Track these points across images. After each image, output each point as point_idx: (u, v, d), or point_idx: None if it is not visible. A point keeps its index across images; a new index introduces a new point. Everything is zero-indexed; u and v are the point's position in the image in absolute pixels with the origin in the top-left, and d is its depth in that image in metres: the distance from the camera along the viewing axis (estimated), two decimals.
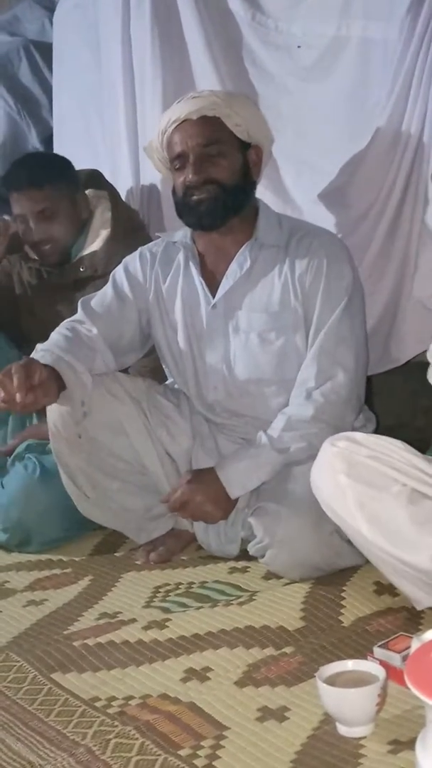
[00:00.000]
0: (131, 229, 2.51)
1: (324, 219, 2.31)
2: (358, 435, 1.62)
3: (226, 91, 2.14)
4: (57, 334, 2.04)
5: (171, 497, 1.97)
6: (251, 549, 1.93)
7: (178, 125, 1.98)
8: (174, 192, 2.04)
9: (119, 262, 2.30)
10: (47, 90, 3.46)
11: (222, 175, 1.97)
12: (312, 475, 1.64)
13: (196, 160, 1.97)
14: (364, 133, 2.23)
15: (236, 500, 1.95)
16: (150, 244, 2.21)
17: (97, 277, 2.42)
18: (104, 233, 2.46)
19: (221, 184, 1.97)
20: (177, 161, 2.00)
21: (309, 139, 2.36)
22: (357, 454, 1.56)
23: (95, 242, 2.47)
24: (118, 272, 2.17)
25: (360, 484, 1.54)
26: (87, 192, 2.52)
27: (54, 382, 1.89)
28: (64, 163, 2.54)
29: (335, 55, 2.32)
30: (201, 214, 1.99)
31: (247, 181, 2.02)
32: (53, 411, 2.03)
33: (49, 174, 2.45)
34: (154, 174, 2.67)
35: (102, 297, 2.14)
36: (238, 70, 2.52)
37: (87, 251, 2.46)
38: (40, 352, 1.97)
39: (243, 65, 2.52)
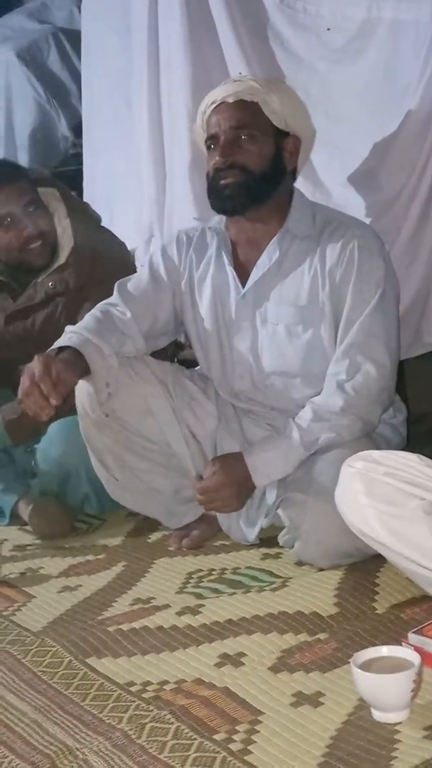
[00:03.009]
0: (91, 231, 2.44)
1: (354, 202, 2.29)
2: (375, 453, 1.63)
3: (269, 78, 2.11)
4: (89, 316, 2.06)
5: (198, 483, 1.97)
6: (281, 539, 1.94)
7: (215, 107, 1.98)
8: (207, 175, 2.03)
9: (87, 272, 2.33)
10: (76, 77, 3.46)
11: (249, 160, 1.95)
12: (335, 498, 1.66)
13: (225, 142, 1.96)
14: (394, 116, 2.20)
15: (254, 489, 1.95)
16: (188, 228, 2.21)
17: (69, 291, 2.36)
18: (68, 245, 2.37)
19: (247, 169, 1.95)
20: (210, 142, 2.00)
21: (339, 122, 2.34)
22: (374, 473, 1.57)
23: (61, 255, 2.39)
24: (155, 255, 2.17)
25: (379, 502, 1.55)
26: (39, 190, 2.42)
27: (75, 368, 1.91)
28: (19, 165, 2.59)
29: (366, 37, 2.29)
30: (225, 198, 1.98)
31: (277, 169, 1.99)
32: (81, 392, 2.05)
33: (20, 171, 2.45)
34: (173, 160, 2.67)
35: (138, 280, 2.14)
36: (266, 53, 2.50)
37: (55, 265, 2.39)
38: (68, 334, 2.00)
39: (270, 48, 2.50)
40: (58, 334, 2.05)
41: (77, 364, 1.93)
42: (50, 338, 2.06)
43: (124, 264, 2.44)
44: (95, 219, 2.54)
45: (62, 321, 2.34)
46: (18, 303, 2.46)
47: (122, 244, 2.55)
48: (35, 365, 1.87)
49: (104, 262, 2.38)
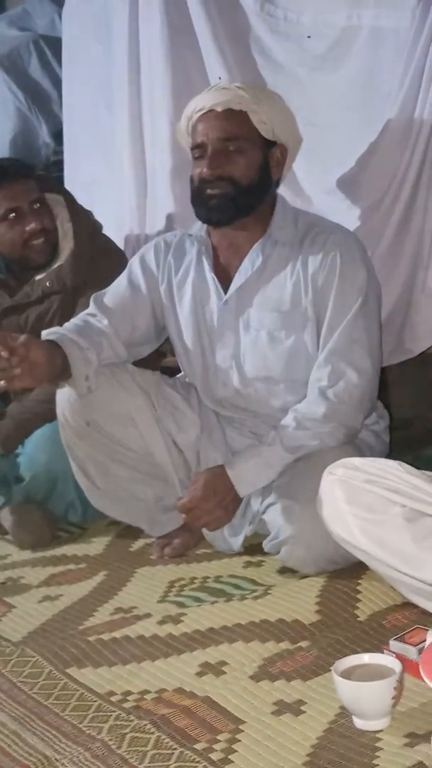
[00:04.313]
0: (91, 236, 2.50)
1: (335, 210, 2.29)
2: (356, 460, 1.63)
3: (257, 86, 2.11)
4: (69, 324, 2.07)
5: (180, 502, 1.96)
6: (266, 546, 1.93)
7: (203, 114, 1.97)
8: (191, 180, 2.02)
9: (85, 274, 2.35)
10: (57, 84, 3.46)
11: (237, 172, 1.95)
12: (317, 505, 1.65)
13: (213, 154, 1.95)
14: (375, 123, 2.21)
15: (241, 500, 1.94)
16: (167, 234, 2.21)
17: (65, 291, 2.41)
18: (68, 247, 2.44)
19: (235, 181, 1.95)
20: (197, 150, 1.99)
21: (320, 130, 2.34)
22: (355, 480, 1.57)
23: (60, 256, 2.45)
24: (134, 263, 2.17)
25: (360, 509, 1.55)
26: (45, 195, 2.49)
27: (49, 349, 1.89)
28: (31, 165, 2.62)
29: (346, 44, 2.30)
30: (211, 208, 1.97)
31: (264, 180, 1.99)
32: (62, 401, 2.05)
33: (30, 170, 2.51)
34: (154, 166, 2.66)
35: (115, 289, 2.14)
36: (247, 61, 2.51)
37: (54, 265, 2.44)
38: (46, 334, 1.99)
39: (251, 55, 2.50)
40: None
41: (54, 353, 1.91)
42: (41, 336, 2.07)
43: (121, 271, 2.46)
44: (97, 226, 2.58)
45: (55, 320, 2.39)
46: (14, 299, 2.49)
47: (122, 253, 2.59)
48: None
49: (102, 266, 2.41)
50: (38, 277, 2.46)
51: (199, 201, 1.99)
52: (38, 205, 2.43)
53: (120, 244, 2.74)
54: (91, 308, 2.11)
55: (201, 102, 1.98)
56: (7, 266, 2.51)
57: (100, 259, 2.45)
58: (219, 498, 1.90)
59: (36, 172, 2.60)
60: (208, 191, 1.96)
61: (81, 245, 2.44)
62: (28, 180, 2.45)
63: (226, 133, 1.94)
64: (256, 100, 1.95)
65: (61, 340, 1.95)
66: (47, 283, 2.44)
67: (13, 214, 2.40)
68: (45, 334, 2.00)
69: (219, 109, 1.95)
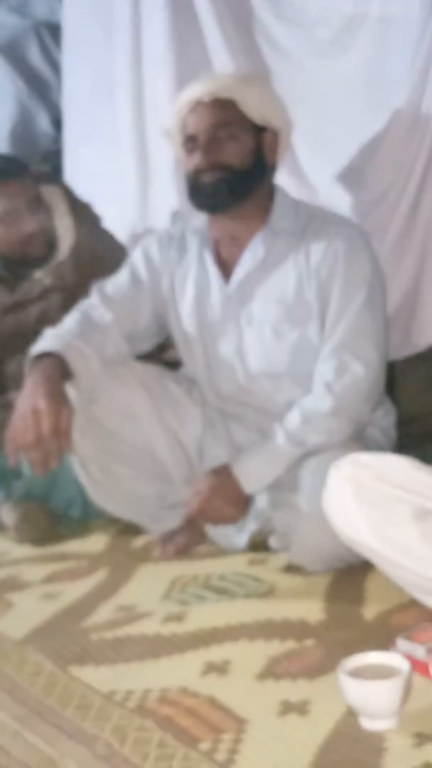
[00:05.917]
0: (91, 229, 2.47)
1: (341, 200, 2.28)
2: (364, 456, 1.60)
3: (243, 73, 2.11)
4: (69, 319, 2.04)
5: (188, 510, 1.94)
6: (273, 543, 1.91)
7: (191, 107, 1.95)
8: (186, 176, 2.00)
9: (86, 271, 2.31)
10: (58, 72, 3.43)
11: (231, 158, 1.93)
12: (323, 503, 1.63)
13: (206, 143, 1.93)
14: (383, 112, 2.19)
15: (252, 496, 1.92)
16: (169, 227, 2.19)
17: (66, 288, 2.38)
18: (68, 243, 2.41)
19: (230, 167, 1.93)
20: (189, 144, 1.97)
21: (326, 119, 2.33)
22: (363, 477, 1.55)
23: (60, 251, 2.42)
24: (137, 256, 2.14)
25: (368, 506, 1.53)
26: (43, 188, 2.46)
27: (60, 378, 1.89)
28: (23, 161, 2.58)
29: (353, 31, 2.28)
30: (208, 195, 1.95)
31: (259, 165, 1.97)
32: None
33: (24, 167, 2.46)
34: (157, 156, 2.64)
35: (118, 282, 2.12)
36: (252, 47, 2.49)
37: (54, 261, 2.41)
38: (50, 338, 1.97)
39: (255, 41, 2.49)
40: None
41: (61, 374, 1.90)
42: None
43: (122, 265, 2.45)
44: (96, 219, 2.55)
45: (57, 317, 2.34)
46: (14, 296, 2.46)
47: (122, 247, 2.56)
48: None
49: (104, 261, 2.38)
50: (37, 275, 2.43)
51: (196, 191, 1.97)
52: (35, 204, 2.39)
53: (121, 235, 2.71)
54: (94, 299, 2.09)
55: (188, 95, 1.97)
56: (5, 262, 2.48)
57: (101, 253, 2.43)
58: (225, 497, 1.88)
59: (30, 168, 2.56)
60: (204, 180, 1.94)
61: (82, 240, 2.41)
62: (24, 178, 2.41)
63: (216, 120, 1.93)
64: (241, 86, 1.94)
65: (66, 350, 1.93)
66: (47, 280, 2.41)
67: (11, 216, 2.37)
68: (48, 341, 1.97)
69: (206, 99, 1.94)
